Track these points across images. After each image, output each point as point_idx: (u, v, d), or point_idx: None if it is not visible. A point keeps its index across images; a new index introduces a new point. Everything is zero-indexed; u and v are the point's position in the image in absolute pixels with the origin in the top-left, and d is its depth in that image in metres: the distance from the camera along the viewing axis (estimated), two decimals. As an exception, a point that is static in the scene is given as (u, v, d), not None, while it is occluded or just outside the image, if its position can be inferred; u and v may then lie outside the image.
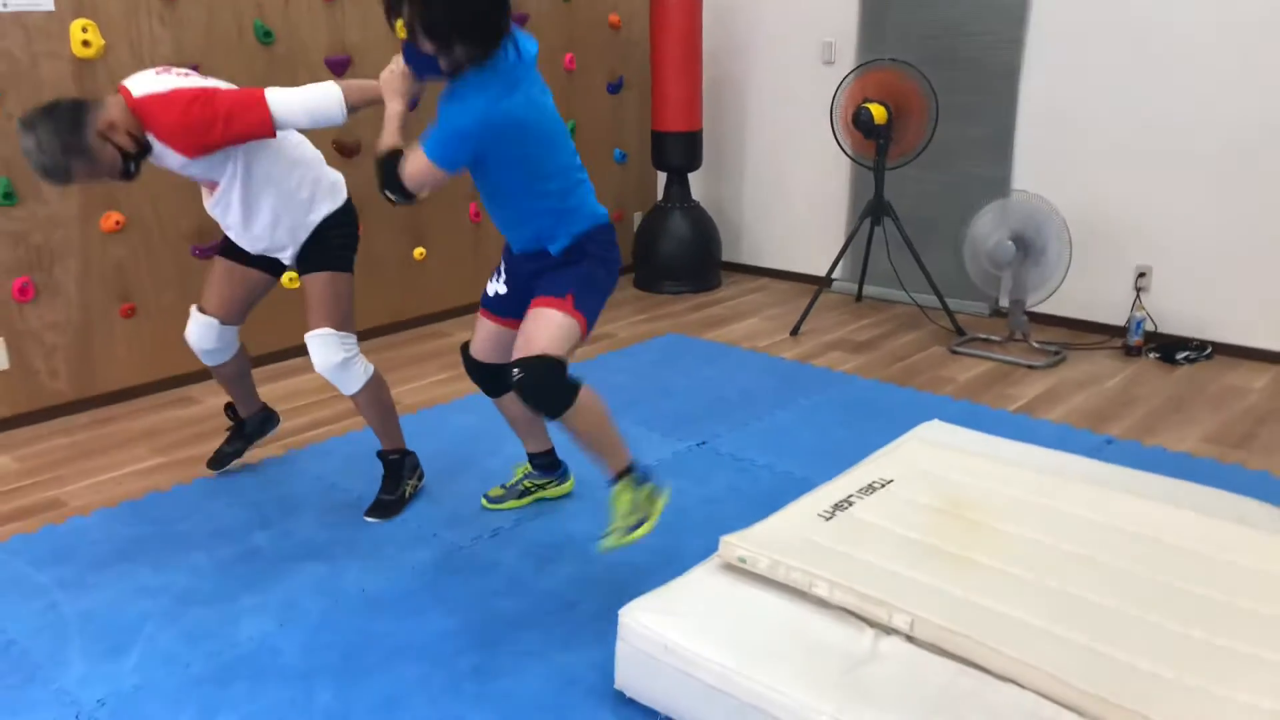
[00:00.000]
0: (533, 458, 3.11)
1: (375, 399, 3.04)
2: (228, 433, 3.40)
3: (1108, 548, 2.30)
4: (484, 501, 3.13)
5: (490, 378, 2.86)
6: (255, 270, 3.05)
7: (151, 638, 2.48)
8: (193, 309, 3.09)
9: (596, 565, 2.76)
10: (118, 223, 3.92)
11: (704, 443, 3.54)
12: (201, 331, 3.07)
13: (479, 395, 3.02)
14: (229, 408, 3.37)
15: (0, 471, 3.46)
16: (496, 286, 2.77)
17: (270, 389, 4.07)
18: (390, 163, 2.41)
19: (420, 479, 3.20)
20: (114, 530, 3.01)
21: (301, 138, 2.93)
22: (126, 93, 2.65)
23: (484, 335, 2.81)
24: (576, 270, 2.56)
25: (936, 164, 4.91)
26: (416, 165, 2.38)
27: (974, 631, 1.98)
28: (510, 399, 2.84)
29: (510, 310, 2.73)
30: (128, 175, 2.69)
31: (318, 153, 2.98)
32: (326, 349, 2.91)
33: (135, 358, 4.08)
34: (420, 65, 2.36)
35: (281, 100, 2.64)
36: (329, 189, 2.95)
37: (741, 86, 5.66)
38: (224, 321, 3.07)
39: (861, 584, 2.13)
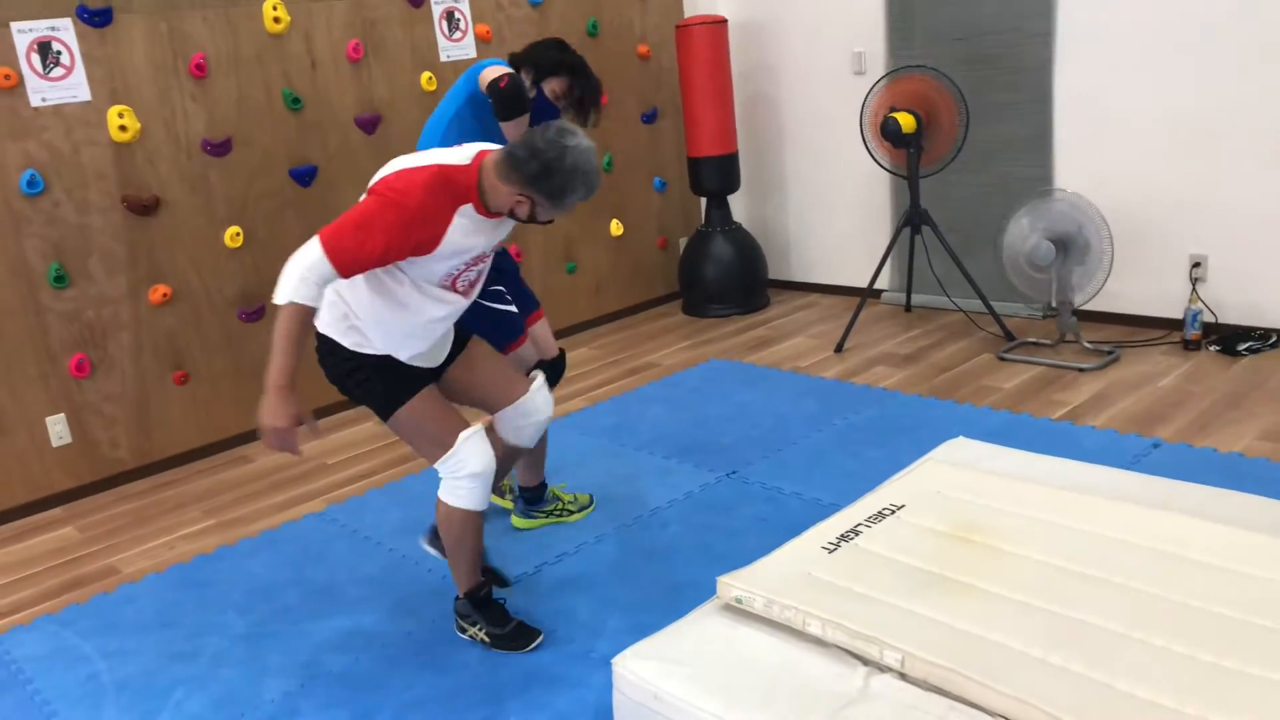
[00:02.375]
0: (526, 490, 3.30)
1: None
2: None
3: (1122, 567, 2.19)
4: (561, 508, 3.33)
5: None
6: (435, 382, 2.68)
7: (180, 704, 2.57)
8: (477, 431, 2.55)
9: (614, 608, 2.76)
10: (165, 294, 4.10)
11: (734, 472, 3.51)
12: (489, 447, 2.60)
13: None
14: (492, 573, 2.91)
15: (63, 542, 3.64)
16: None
17: (316, 444, 4.19)
18: None
19: None
20: (159, 595, 3.12)
21: None
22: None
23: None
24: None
25: (975, 166, 4.79)
26: None
27: (967, 666, 1.91)
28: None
29: None
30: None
31: None
32: (549, 398, 2.76)
33: (191, 423, 4.24)
34: (548, 112, 3.03)
35: None
36: None
37: (776, 104, 5.62)
38: None
39: (854, 620, 2.07)
